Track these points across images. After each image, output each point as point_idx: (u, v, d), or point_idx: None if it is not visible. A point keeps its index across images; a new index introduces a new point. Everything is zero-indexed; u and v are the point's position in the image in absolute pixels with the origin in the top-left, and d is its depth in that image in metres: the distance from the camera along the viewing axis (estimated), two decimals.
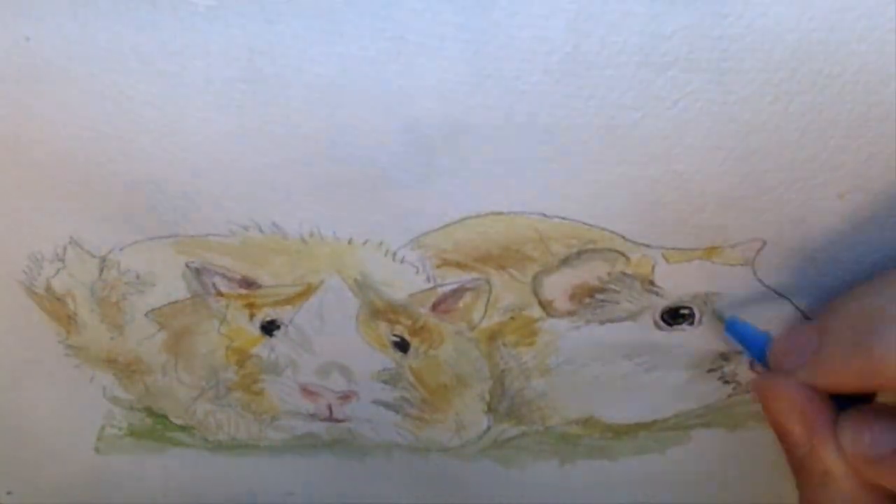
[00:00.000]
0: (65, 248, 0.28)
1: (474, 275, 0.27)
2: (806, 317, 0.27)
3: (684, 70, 0.21)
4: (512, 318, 0.28)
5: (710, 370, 0.30)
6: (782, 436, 0.22)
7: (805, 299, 0.27)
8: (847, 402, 0.22)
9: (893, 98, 0.22)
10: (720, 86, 0.21)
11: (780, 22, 0.20)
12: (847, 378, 0.21)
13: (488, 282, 0.27)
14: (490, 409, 0.32)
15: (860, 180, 0.23)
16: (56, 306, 0.30)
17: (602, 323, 0.28)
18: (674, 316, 0.27)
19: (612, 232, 0.25)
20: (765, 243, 0.25)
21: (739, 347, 0.27)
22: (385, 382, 0.31)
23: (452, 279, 0.27)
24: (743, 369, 0.29)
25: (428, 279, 0.27)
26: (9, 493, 0.39)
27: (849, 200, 0.24)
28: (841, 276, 0.26)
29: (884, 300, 0.21)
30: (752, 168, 0.23)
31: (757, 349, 0.26)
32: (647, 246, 0.25)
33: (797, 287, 0.26)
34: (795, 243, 0.25)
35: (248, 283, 0.28)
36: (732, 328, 0.27)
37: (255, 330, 0.30)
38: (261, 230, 0.26)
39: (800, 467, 0.22)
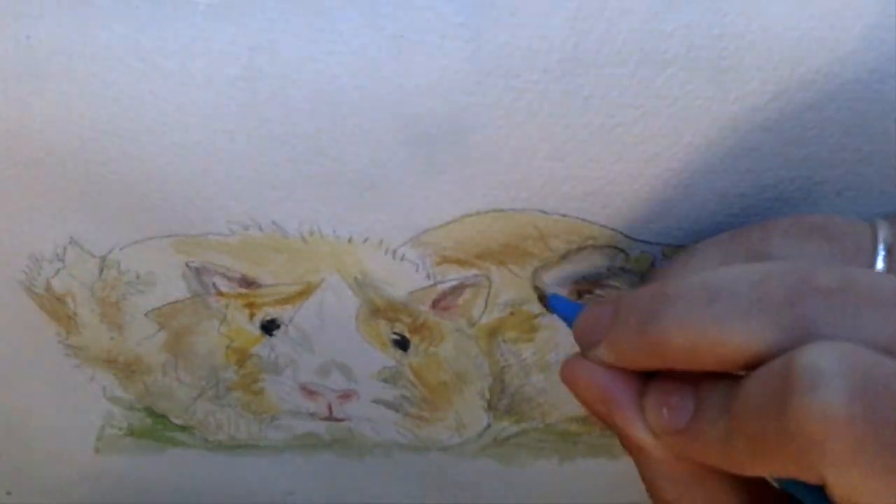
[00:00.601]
0: (65, 248, 0.28)
1: (474, 271, 0.27)
2: None
3: (684, 68, 0.21)
4: (511, 313, 0.28)
5: None
6: (595, 415, 0.22)
7: None
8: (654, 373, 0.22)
9: (893, 97, 0.22)
10: (720, 84, 0.21)
11: (780, 20, 0.20)
12: (635, 358, 0.21)
13: (488, 277, 0.27)
14: (490, 407, 0.32)
15: (859, 179, 0.24)
16: (56, 306, 0.30)
17: None
18: None
19: (611, 229, 0.25)
20: None
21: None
22: (385, 381, 0.31)
23: (452, 276, 0.27)
24: None
25: (428, 277, 0.27)
26: (9, 493, 0.39)
27: (847, 199, 0.24)
28: None
29: (669, 279, 0.21)
30: (752, 167, 0.23)
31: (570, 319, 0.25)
32: (647, 243, 0.25)
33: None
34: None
35: (248, 283, 0.28)
36: (555, 304, 0.26)
37: (255, 329, 0.30)
38: (261, 229, 0.26)
39: (622, 444, 0.22)
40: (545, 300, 0.27)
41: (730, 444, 0.19)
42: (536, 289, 0.27)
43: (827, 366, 0.17)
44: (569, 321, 0.25)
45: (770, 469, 0.18)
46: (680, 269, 0.22)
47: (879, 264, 0.20)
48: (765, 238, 0.21)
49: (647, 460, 0.22)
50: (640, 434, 0.21)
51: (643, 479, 0.23)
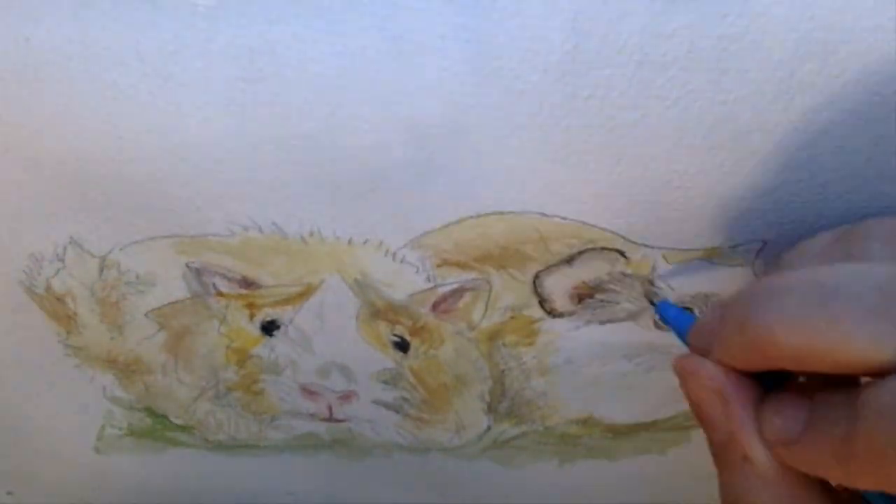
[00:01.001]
0: (65, 248, 0.28)
1: (474, 274, 0.27)
2: None
3: (684, 69, 0.21)
4: (512, 317, 0.28)
5: None
6: (701, 419, 0.22)
7: None
8: (775, 383, 0.21)
9: (893, 98, 0.22)
10: (720, 85, 0.21)
11: (780, 21, 0.20)
12: (743, 356, 0.20)
13: (488, 281, 0.27)
14: (490, 410, 0.32)
15: (860, 180, 0.23)
16: (56, 306, 0.30)
17: (602, 323, 0.28)
18: None
19: (611, 232, 0.25)
20: (765, 243, 0.25)
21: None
22: (385, 382, 0.31)
23: (452, 279, 0.27)
24: None
25: (428, 279, 0.27)
26: (9, 493, 0.39)
27: (848, 200, 0.24)
28: None
29: (773, 276, 0.20)
30: (753, 168, 0.23)
31: (684, 331, 0.24)
32: (647, 246, 0.25)
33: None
34: (795, 244, 0.25)
35: (248, 283, 0.28)
36: (664, 312, 0.26)
37: (255, 330, 0.30)
38: (261, 230, 0.26)
39: (719, 451, 0.22)
40: (653, 307, 0.26)
41: (849, 455, 0.18)
42: (537, 294, 0.27)
43: None
44: (679, 329, 0.24)
45: (892, 485, 0.18)
46: (779, 266, 0.21)
47: None
48: (867, 244, 0.20)
49: (751, 471, 0.21)
50: (752, 442, 0.20)
51: (730, 492, 0.22)
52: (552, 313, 0.28)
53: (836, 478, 0.19)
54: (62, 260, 0.28)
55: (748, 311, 0.19)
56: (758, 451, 0.20)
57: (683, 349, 0.29)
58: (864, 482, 0.18)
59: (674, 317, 0.25)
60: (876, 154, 0.23)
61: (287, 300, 0.29)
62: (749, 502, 0.21)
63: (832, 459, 0.18)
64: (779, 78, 0.21)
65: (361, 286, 0.28)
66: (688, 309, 0.26)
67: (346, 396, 0.32)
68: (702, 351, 0.21)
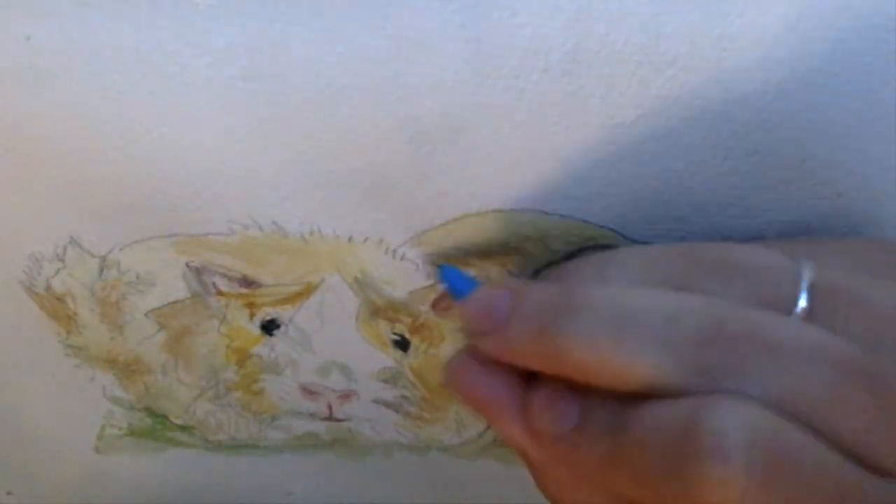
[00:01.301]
0: (65, 248, 0.28)
1: (474, 272, 0.27)
2: None
3: (684, 69, 0.21)
4: None
5: None
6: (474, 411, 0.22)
7: None
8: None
9: (893, 98, 0.22)
10: (720, 84, 0.21)
11: (780, 21, 0.20)
12: (526, 359, 0.20)
13: (488, 278, 0.27)
14: None
15: (860, 180, 0.23)
16: (56, 306, 0.30)
17: None
18: None
19: (611, 230, 0.25)
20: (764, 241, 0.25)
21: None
22: (385, 381, 0.31)
23: None
24: None
25: (428, 277, 0.27)
26: (9, 493, 0.39)
27: (848, 200, 0.24)
28: None
29: (573, 283, 0.21)
30: (752, 167, 0.23)
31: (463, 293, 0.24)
32: (648, 244, 0.25)
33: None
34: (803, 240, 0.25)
35: (248, 283, 0.28)
36: (447, 275, 0.25)
37: (255, 329, 0.30)
38: (261, 229, 0.26)
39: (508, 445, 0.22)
40: (436, 270, 0.26)
41: (613, 466, 0.19)
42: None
43: (730, 433, 0.17)
44: (458, 295, 0.24)
45: (650, 501, 0.19)
46: (594, 274, 0.22)
47: (802, 304, 0.19)
48: (689, 272, 0.20)
49: (530, 461, 0.22)
50: (520, 435, 0.21)
51: (530, 474, 0.23)
52: None
53: (597, 482, 0.20)
54: (62, 260, 0.28)
55: (546, 320, 0.19)
56: (528, 444, 0.21)
57: None
58: (624, 491, 0.19)
59: (456, 281, 0.24)
60: (876, 153, 0.23)
61: (287, 299, 0.29)
62: (540, 483, 0.22)
63: (596, 465, 0.19)
64: (778, 77, 0.21)
65: (361, 284, 0.28)
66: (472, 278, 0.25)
67: (346, 395, 0.32)
68: (477, 328, 0.21)
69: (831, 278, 0.19)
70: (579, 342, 0.19)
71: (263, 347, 0.31)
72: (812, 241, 0.23)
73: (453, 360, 0.22)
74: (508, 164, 0.23)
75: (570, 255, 0.26)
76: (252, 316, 0.30)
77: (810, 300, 0.19)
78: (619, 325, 0.18)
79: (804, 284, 0.19)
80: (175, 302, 0.30)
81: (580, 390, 0.20)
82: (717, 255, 0.20)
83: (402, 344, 0.30)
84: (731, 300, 0.19)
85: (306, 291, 0.28)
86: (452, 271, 0.25)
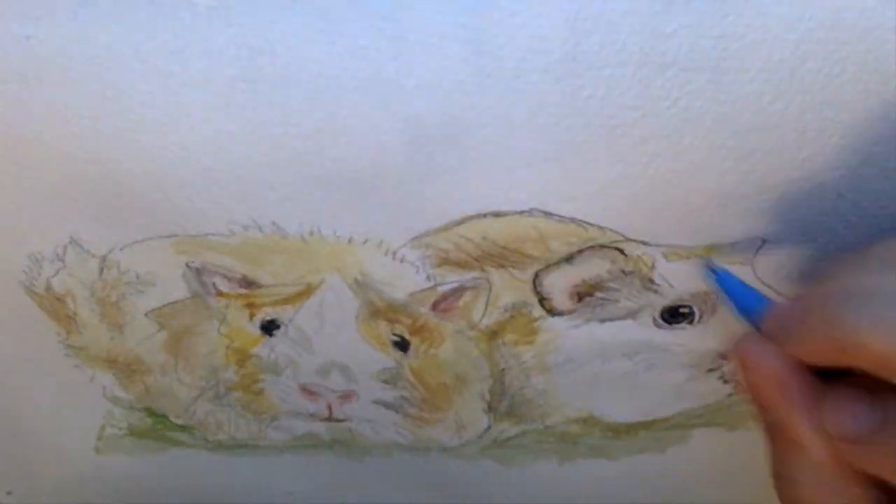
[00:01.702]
0: (65, 248, 0.28)
1: (474, 273, 0.27)
2: None
3: (684, 69, 0.21)
4: (512, 316, 0.28)
5: (710, 370, 0.30)
6: (757, 402, 0.22)
7: None
8: (836, 375, 0.21)
9: (893, 98, 0.22)
10: (720, 85, 0.21)
11: (780, 21, 0.20)
12: (823, 353, 0.20)
13: (488, 280, 0.27)
14: (490, 409, 0.32)
15: (860, 179, 0.23)
16: (56, 306, 0.30)
17: (602, 321, 0.28)
18: (673, 315, 0.27)
19: (611, 230, 0.25)
20: (765, 243, 0.25)
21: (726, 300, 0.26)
22: (385, 382, 0.31)
23: (452, 278, 0.27)
24: None
25: (428, 278, 0.27)
26: (9, 493, 0.39)
27: (848, 200, 0.24)
28: None
29: (862, 274, 0.20)
30: (752, 168, 0.23)
31: (751, 310, 0.24)
32: (647, 244, 0.25)
33: (797, 286, 0.26)
34: (795, 243, 0.25)
35: (248, 283, 0.28)
36: (725, 283, 0.25)
37: (255, 330, 0.30)
38: (261, 230, 0.26)
39: (771, 429, 0.22)
40: (712, 275, 0.26)
41: None
42: (537, 292, 0.27)
43: None
44: (742, 304, 0.24)
45: None
46: (859, 268, 0.21)
47: None
48: None
49: (797, 457, 0.21)
50: (808, 432, 0.21)
51: (780, 473, 0.22)
52: (552, 312, 0.28)
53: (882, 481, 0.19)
54: (62, 260, 0.28)
55: (837, 310, 0.19)
56: (814, 443, 0.21)
57: (680, 349, 0.29)
58: None
59: (738, 291, 0.25)
60: (876, 153, 0.23)
61: (287, 300, 0.29)
62: (795, 479, 0.21)
63: (891, 466, 0.19)
64: (779, 78, 0.21)
65: (361, 285, 0.28)
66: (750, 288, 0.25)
67: (346, 396, 0.32)
68: (776, 338, 0.21)
69: None
70: (874, 326, 0.18)
71: (263, 348, 0.31)
72: None
73: (750, 338, 0.22)
74: (508, 165, 0.23)
75: (570, 256, 0.26)
76: (252, 316, 0.30)
77: None
78: None
79: None
80: (175, 302, 0.30)
81: (879, 392, 0.20)
82: None
83: (402, 345, 0.30)
84: None
85: (306, 292, 0.28)
86: (730, 278, 0.25)
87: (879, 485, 0.20)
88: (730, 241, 0.25)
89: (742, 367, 0.22)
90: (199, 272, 0.28)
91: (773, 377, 0.21)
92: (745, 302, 0.24)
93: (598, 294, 0.27)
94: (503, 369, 0.30)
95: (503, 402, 0.32)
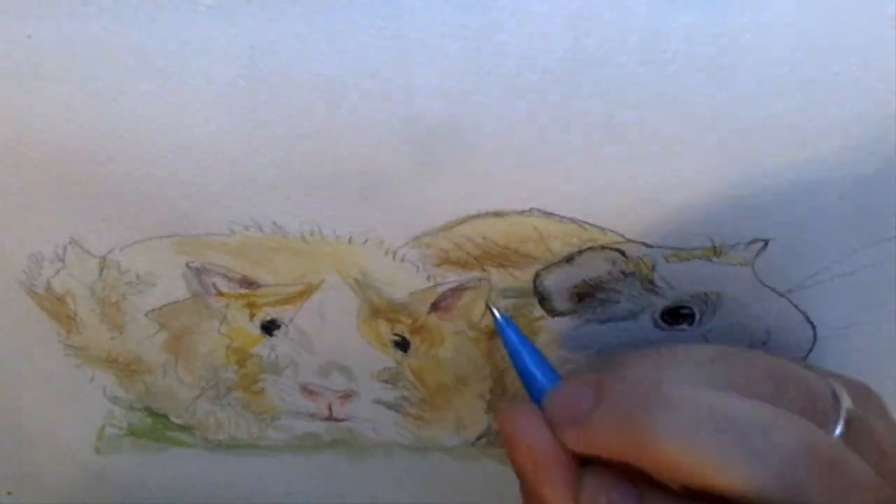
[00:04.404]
0: (65, 248, 0.28)
1: (475, 273, 0.27)
2: (807, 318, 0.27)
3: (684, 68, 0.21)
4: (512, 316, 0.28)
5: None
6: (517, 469, 0.22)
7: (805, 299, 0.27)
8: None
9: (893, 98, 0.22)
10: (720, 84, 0.21)
11: (780, 19, 0.20)
12: (609, 447, 0.20)
13: (488, 280, 0.27)
14: (491, 408, 0.32)
15: (860, 180, 0.23)
16: (56, 306, 0.30)
17: (602, 322, 0.28)
18: (674, 316, 0.27)
19: (612, 231, 0.25)
20: (765, 243, 0.25)
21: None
22: (385, 382, 0.31)
23: (453, 278, 0.27)
24: None
25: (428, 278, 0.27)
26: (9, 493, 0.39)
27: (848, 200, 0.24)
28: (841, 276, 0.26)
29: (663, 375, 0.21)
30: (752, 168, 0.23)
31: (533, 378, 0.24)
32: (648, 245, 0.25)
33: (797, 287, 0.26)
34: (795, 243, 0.25)
35: (249, 283, 0.28)
36: (510, 342, 0.25)
37: (255, 329, 0.30)
38: (261, 229, 0.26)
39: (528, 498, 0.23)
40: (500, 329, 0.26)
41: None
42: (537, 293, 0.27)
43: None
44: (524, 370, 0.24)
45: None
46: (651, 372, 0.22)
47: (839, 429, 0.21)
48: (747, 375, 0.21)
49: None
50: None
51: None
52: (552, 312, 0.28)
53: None
54: (62, 260, 0.28)
55: (638, 412, 0.20)
56: None
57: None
58: None
59: (525, 354, 0.24)
60: (875, 152, 0.23)
61: (287, 299, 0.29)
62: None
63: None
64: (779, 77, 0.21)
65: (361, 285, 0.28)
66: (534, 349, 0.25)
67: (347, 396, 0.32)
68: (561, 421, 0.22)
69: (856, 409, 0.21)
70: (676, 439, 0.19)
71: (263, 347, 0.31)
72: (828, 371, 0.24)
73: (511, 406, 0.23)
74: (508, 165, 0.23)
75: (570, 256, 0.26)
76: (252, 316, 0.30)
77: (845, 425, 0.20)
78: (719, 430, 0.19)
79: (843, 409, 0.21)
80: (175, 302, 0.30)
81: (635, 480, 0.20)
82: (774, 364, 0.22)
83: (403, 344, 0.30)
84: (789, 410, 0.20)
85: (306, 292, 0.28)
86: (514, 332, 0.25)
87: None
88: (730, 242, 0.25)
89: (504, 436, 0.22)
90: (199, 272, 0.28)
91: (535, 452, 0.22)
92: (530, 367, 0.24)
93: (599, 295, 0.27)
94: (503, 369, 0.30)
95: (504, 401, 0.32)
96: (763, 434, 0.19)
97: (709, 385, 0.21)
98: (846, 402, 0.21)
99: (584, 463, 0.22)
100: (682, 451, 0.19)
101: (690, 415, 0.19)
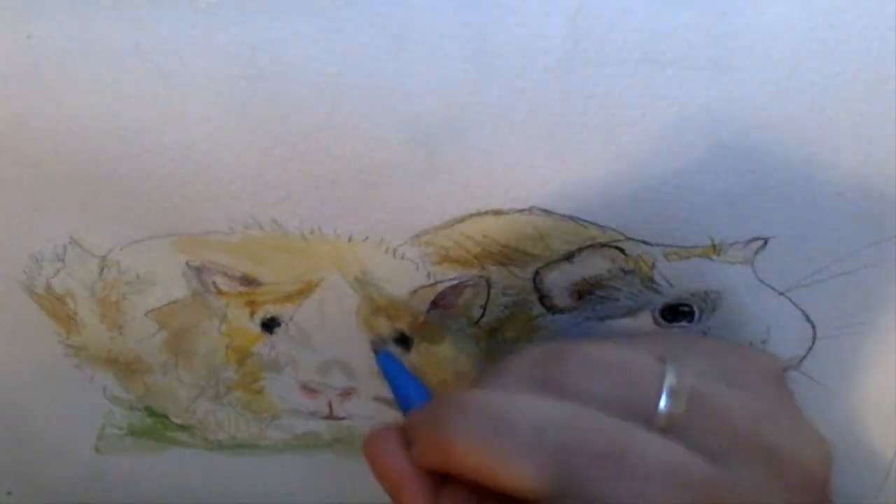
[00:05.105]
0: (65, 248, 0.28)
1: (474, 271, 0.27)
2: (806, 317, 0.27)
3: (684, 68, 0.21)
4: (512, 314, 0.28)
5: None
6: (385, 490, 0.23)
7: (805, 299, 0.27)
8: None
9: (893, 98, 0.22)
10: (720, 84, 0.21)
11: (780, 20, 0.20)
12: (429, 458, 0.21)
13: (488, 278, 0.27)
14: None
15: (859, 180, 0.24)
16: (56, 306, 0.30)
17: (602, 319, 0.28)
18: (673, 313, 0.27)
19: (611, 229, 0.25)
20: (764, 242, 0.25)
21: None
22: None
23: (452, 276, 0.27)
24: None
25: (428, 276, 0.27)
26: (9, 493, 0.39)
27: (848, 200, 0.24)
28: (840, 276, 0.26)
29: (477, 386, 0.22)
30: (752, 167, 0.23)
31: (408, 399, 0.26)
32: (647, 243, 0.25)
33: (797, 286, 0.27)
34: (795, 243, 0.25)
35: (249, 281, 0.28)
36: (386, 365, 0.27)
37: (255, 328, 0.30)
38: (261, 228, 0.26)
39: None
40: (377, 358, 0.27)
41: None
42: (537, 290, 0.27)
43: None
44: (399, 392, 0.26)
45: None
46: (492, 373, 0.23)
47: (662, 406, 0.20)
48: (562, 369, 0.22)
49: None
50: None
51: None
52: (552, 309, 0.28)
53: None
54: (62, 260, 0.28)
55: (438, 422, 0.21)
56: None
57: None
58: None
59: (399, 378, 0.26)
60: (875, 152, 0.23)
61: (287, 298, 0.29)
62: None
63: None
64: (779, 77, 0.21)
65: (362, 283, 0.28)
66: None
67: (347, 393, 0.32)
68: (410, 437, 0.23)
69: (692, 383, 0.21)
70: (463, 445, 0.20)
71: (264, 346, 0.31)
72: (677, 340, 0.25)
73: (374, 432, 0.24)
74: (509, 164, 0.23)
75: (570, 254, 0.26)
76: (252, 314, 0.30)
77: (670, 403, 0.20)
78: (494, 430, 0.20)
79: (666, 387, 0.21)
80: (175, 301, 0.30)
81: (485, 495, 0.21)
82: (588, 354, 0.22)
83: (403, 341, 0.30)
84: (598, 406, 0.20)
85: (307, 290, 0.28)
86: (391, 361, 0.27)
87: None
88: (730, 241, 0.25)
89: (368, 460, 0.23)
90: (199, 271, 0.28)
91: (394, 474, 0.22)
92: (405, 390, 0.26)
93: (599, 292, 0.27)
94: None
95: None
96: (532, 430, 0.19)
97: (529, 387, 0.21)
98: (670, 378, 0.21)
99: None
100: (471, 453, 0.20)
101: (477, 419, 0.20)
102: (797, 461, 0.20)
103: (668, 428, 0.20)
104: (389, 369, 0.27)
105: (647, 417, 0.20)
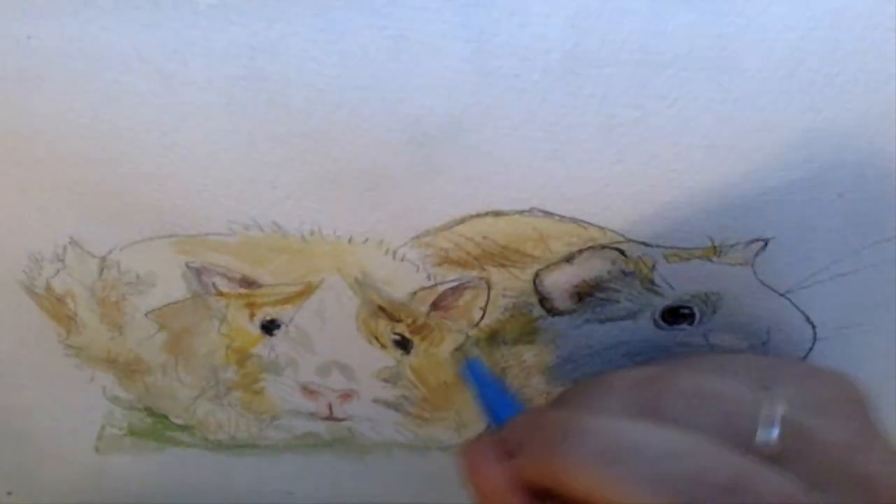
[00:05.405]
0: (65, 248, 0.28)
1: (474, 273, 0.27)
2: (806, 318, 0.27)
3: (684, 68, 0.21)
4: (512, 316, 0.28)
5: None
6: (478, 500, 0.23)
7: (805, 299, 0.27)
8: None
9: (893, 98, 0.22)
10: (720, 84, 0.21)
11: (780, 20, 0.20)
12: (539, 475, 0.21)
13: (488, 280, 0.27)
14: None
15: (860, 180, 0.23)
16: (56, 306, 0.30)
17: (602, 321, 0.28)
18: (674, 315, 0.27)
19: (612, 230, 0.25)
20: (765, 243, 0.25)
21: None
22: (385, 381, 0.31)
23: (453, 277, 0.27)
24: None
25: (428, 277, 0.27)
26: (9, 493, 0.39)
27: (848, 200, 0.24)
28: (840, 276, 0.26)
29: (586, 407, 0.22)
30: (752, 168, 0.23)
31: (499, 411, 0.25)
32: (647, 245, 0.25)
33: (797, 287, 0.26)
34: (795, 243, 0.25)
35: (249, 283, 0.28)
36: (477, 376, 0.26)
37: (255, 329, 0.30)
38: (261, 229, 0.26)
39: None
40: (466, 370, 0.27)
41: None
42: (537, 292, 0.27)
43: None
44: (489, 404, 0.25)
45: None
46: (593, 398, 0.23)
47: (761, 438, 0.21)
48: (665, 396, 0.22)
49: None
50: None
51: None
52: (552, 311, 0.28)
53: None
54: (62, 260, 0.28)
55: (555, 441, 0.21)
56: None
57: (681, 350, 0.29)
58: None
59: (489, 390, 0.26)
60: (875, 152, 0.23)
61: (287, 299, 0.29)
62: None
63: None
64: (779, 77, 0.21)
65: (362, 285, 0.28)
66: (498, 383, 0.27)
67: (347, 395, 0.32)
68: (510, 449, 0.22)
69: (786, 413, 0.21)
70: (585, 469, 0.20)
71: (263, 347, 0.31)
72: (766, 365, 0.25)
73: (475, 442, 0.23)
74: (508, 165, 0.23)
75: (570, 256, 0.26)
76: (252, 316, 0.30)
77: (766, 434, 0.21)
78: (618, 459, 0.20)
79: (763, 418, 0.21)
80: (175, 302, 0.30)
81: None
82: (690, 384, 0.22)
83: (403, 344, 0.30)
84: (707, 435, 0.20)
85: (306, 291, 0.28)
86: (481, 369, 0.26)
87: None
88: (730, 242, 0.25)
89: (465, 470, 0.23)
90: (199, 272, 0.28)
91: (491, 487, 0.22)
92: (495, 402, 0.25)
93: (599, 294, 0.27)
94: (503, 368, 0.30)
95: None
96: (657, 461, 0.19)
97: (629, 411, 0.22)
98: (769, 411, 0.21)
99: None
100: (590, 480, 0.20)
101: (595, 445, 0.20)
102: (890, 489, 0.21)
103: (767, 459, 0.20)
104: (478, 378, 0.27)
105: (744, 448, 0.20)
